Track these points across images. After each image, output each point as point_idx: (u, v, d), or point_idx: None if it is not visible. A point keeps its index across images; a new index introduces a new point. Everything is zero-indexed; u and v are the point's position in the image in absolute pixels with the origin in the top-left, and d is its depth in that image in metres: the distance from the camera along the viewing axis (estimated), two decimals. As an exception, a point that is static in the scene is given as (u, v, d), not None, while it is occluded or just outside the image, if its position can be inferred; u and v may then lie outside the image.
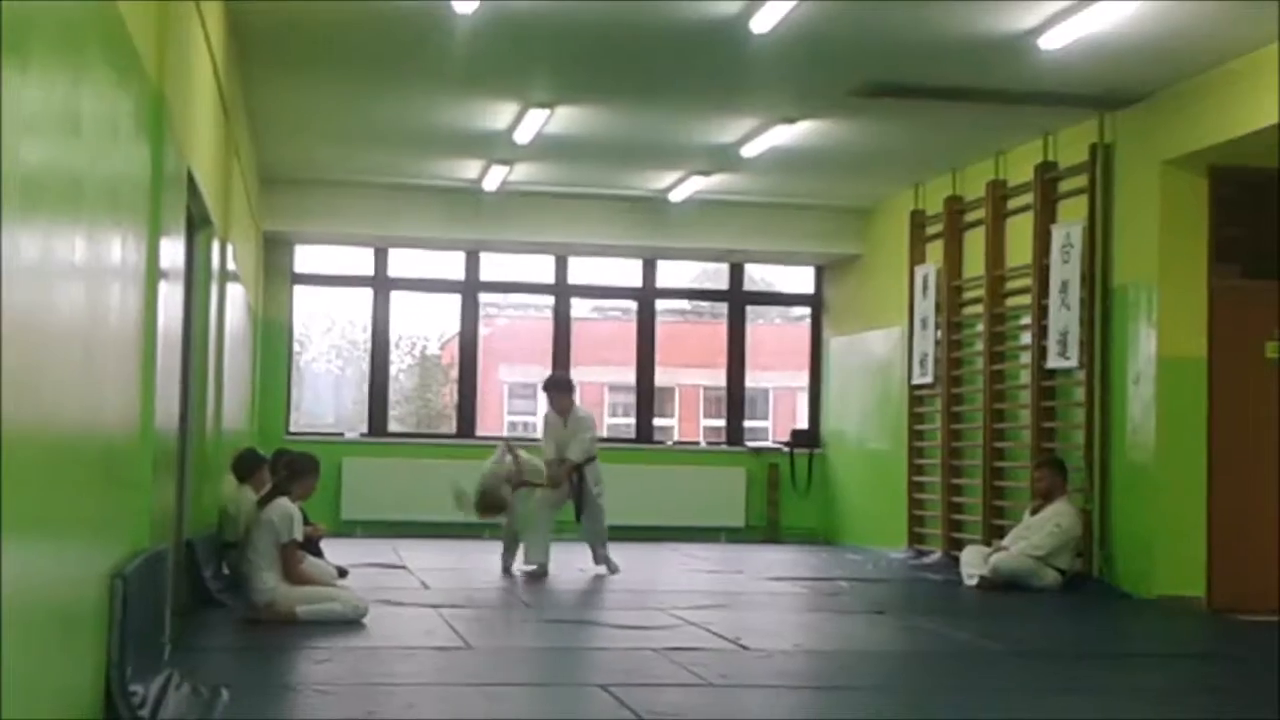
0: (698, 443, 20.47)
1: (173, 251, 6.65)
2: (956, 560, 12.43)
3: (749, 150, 13.11)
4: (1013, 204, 12.95)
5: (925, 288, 14.31)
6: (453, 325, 18.26)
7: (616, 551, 12.27)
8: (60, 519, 4.06)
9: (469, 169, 14.66)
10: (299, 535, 8.65)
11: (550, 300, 17.63)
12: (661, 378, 18.42)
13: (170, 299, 6.65)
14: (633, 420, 18.15)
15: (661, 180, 15.09)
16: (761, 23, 9.17)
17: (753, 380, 18.87)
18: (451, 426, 17.68)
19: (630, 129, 12.80)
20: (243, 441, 11.89)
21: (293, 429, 16.71)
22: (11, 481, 3.17)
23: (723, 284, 18.14)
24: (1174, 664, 8.25)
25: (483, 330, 19.16)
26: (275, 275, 16.25)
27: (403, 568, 11.95)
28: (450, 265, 17.24)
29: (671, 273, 18.35)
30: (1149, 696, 6.95)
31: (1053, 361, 11.96)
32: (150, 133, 5.83)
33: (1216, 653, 8.94)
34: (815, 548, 15.88)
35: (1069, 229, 11.79)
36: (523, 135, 12.62)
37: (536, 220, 16.08)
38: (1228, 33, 9.42)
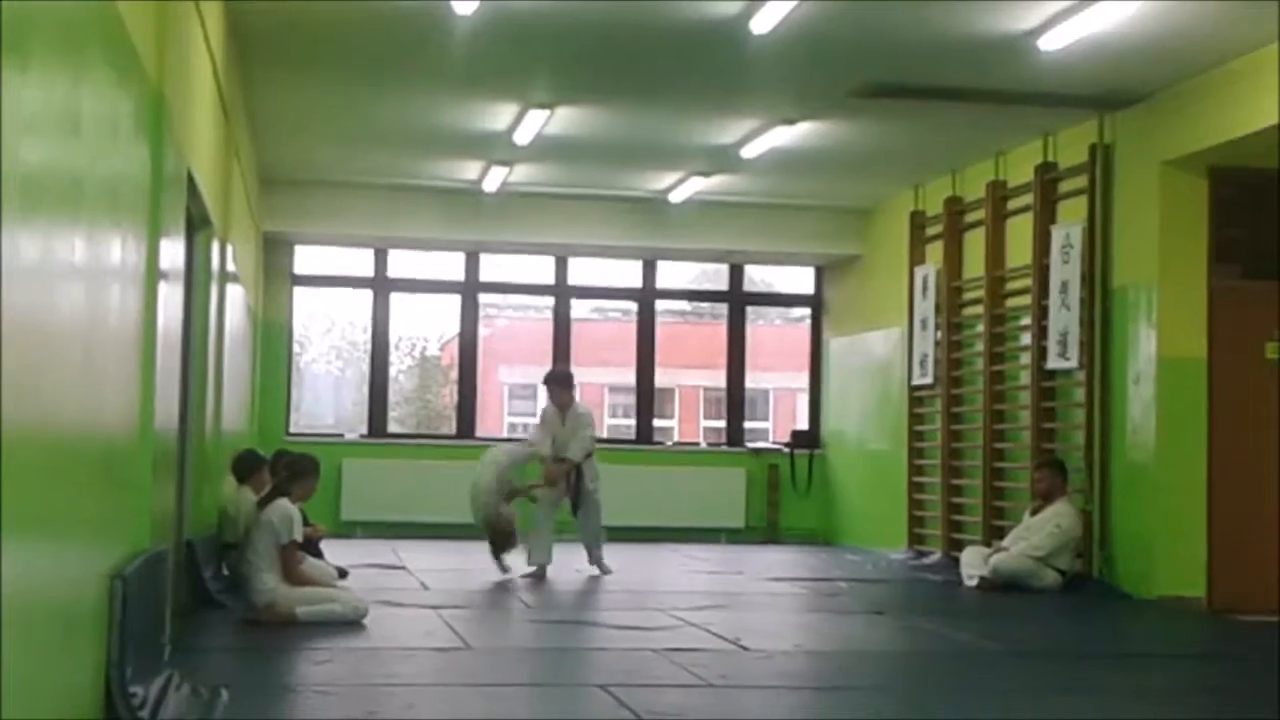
0: (698, 443, 20.49)
1: (172, 252, 6.65)
2: (956, 561, 12.42)
3: (749, 151, 13.11)
4: (1013, 204, 12.95)
5: (925, 288, 14.31)
6: (452, 326, 18.27)
7: (616, 552, 12.27)
8: (60, 519, 4.05)
9: (469, 170, 14.66)
10: (299, 536, 8.65)
11: (550, 301, 17.64)
12: (661, 379, 18.42)
13: (170, 300, 6.65)
14: (633, 421, 18.15)
15: (661, 181, 15.09)
16: (761, 23, 9.17)
17: (753, 381, 18.87)
18: (451, 427, 17.69)
19: (630, 130, 12.80)
20: (242, 442, 11.89)
21: (292, 430, 16.71)
22: (11, 482, 3.17)
23: (723, 285, 18.14)
24: (1174, 664, 8.26)
25: (483, 331, 19.17)
26: (275, 276, 16.25)
27: (402, 569, 11.95)
28: (450, 266, 17.24)
29: (671, 273, 18.36)
30: (1149, 697, 6.95)
31: (1053, 362, 11.96)
32: (150, 133, 5.83)
33: (1217, 653, 8.94)
34: (815, 548, 15.88)
35: (1069, 229, 11.79)
36: (523, 136, 12.61)
37: (536, 221, 16.08)
38: (1228, 33, 9.42)
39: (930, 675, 7.61)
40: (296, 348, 18.57)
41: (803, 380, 18.28)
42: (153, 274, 5.96)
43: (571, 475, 11.97)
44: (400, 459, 16.32)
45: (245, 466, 10.10)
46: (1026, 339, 12.50)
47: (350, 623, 8.37)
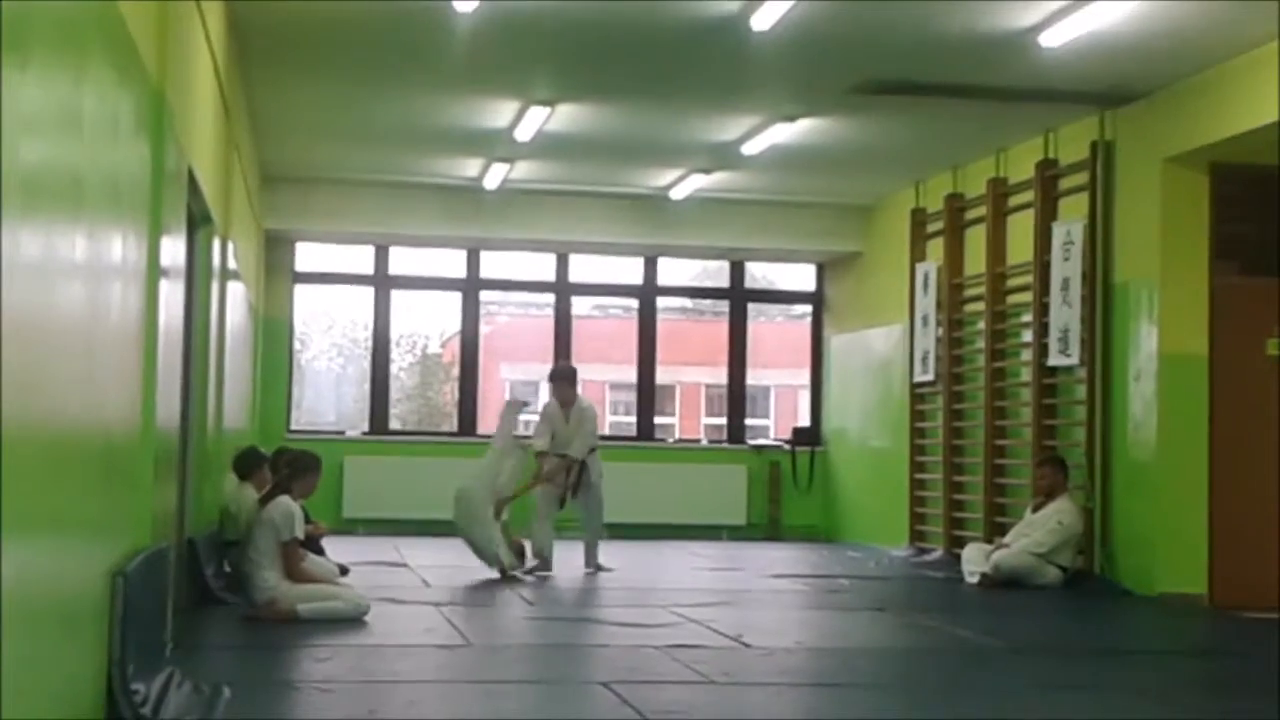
0: (699, 440, 20.46)
1: (173, 250, 6.65)
2: (958, 558, 12.42)
3: (750, 148, 13.11)
4: (1013, 201, 12.94)
5: (926, 285, 14.31)
6: (454, 323, 18.26)
7: (618, 549, 12.27)
8: (61, 517, 4.06)
9: (470, 167, 14.66)
10: (300, 533, 8.65)
11: (551, 298, 17.64)
12: (663, 376, 18.42)
13: (171, 297, 6.65)
14: (634, 418, 18.15)
15: (662, 178, 15.09)
16: (762, 20, 9.17)
17: (754, 378, 18.87)
18: (453, 424, 17.70)
19: (631, 127, 12.80)
20: (244, 440, 11.90)
21: (294, 427, 16.72)
22: (13, 479, 3.17)
23: (724, 282, 18.14)
24: (1175, 661, 8.26)
25: (483, 328, 19.17)
26: (276, 273, 16.25)
27: (404, 565, 11.96)
28: (451, 263, 17.24)
29: (672, 270, 18.36)
30: (1151, 693, 6.94)
31: (1054, 359, 11.96)
32: (151, 131, 5.83)
33: (1218, 649, 8.95)
34: (816, 545, 15.88)
35: (1070, 226, 11.79)
36: (523, 133, 12.62)
37: (537, 218, 16.08)
38: (1228, 30, 9.42)
39: (931, 672, 7.61)
40: (298, 345, 18.58)
41: (804, 377, 18.28)
42: (154, 271, 5.96)
43: (574, 471, 11.95)
44: (401, 456, 16.33)
45: (246, 464, 10.09)
46: (1028, 336, 12.50)
47: (352, 620, 8.38)
